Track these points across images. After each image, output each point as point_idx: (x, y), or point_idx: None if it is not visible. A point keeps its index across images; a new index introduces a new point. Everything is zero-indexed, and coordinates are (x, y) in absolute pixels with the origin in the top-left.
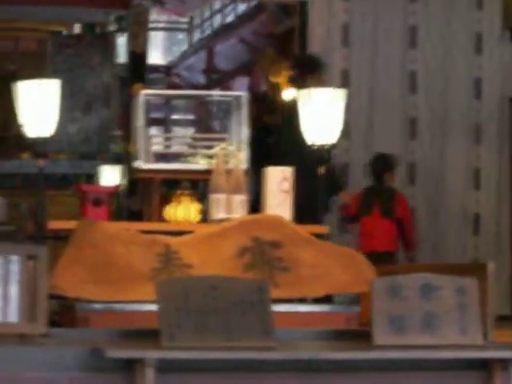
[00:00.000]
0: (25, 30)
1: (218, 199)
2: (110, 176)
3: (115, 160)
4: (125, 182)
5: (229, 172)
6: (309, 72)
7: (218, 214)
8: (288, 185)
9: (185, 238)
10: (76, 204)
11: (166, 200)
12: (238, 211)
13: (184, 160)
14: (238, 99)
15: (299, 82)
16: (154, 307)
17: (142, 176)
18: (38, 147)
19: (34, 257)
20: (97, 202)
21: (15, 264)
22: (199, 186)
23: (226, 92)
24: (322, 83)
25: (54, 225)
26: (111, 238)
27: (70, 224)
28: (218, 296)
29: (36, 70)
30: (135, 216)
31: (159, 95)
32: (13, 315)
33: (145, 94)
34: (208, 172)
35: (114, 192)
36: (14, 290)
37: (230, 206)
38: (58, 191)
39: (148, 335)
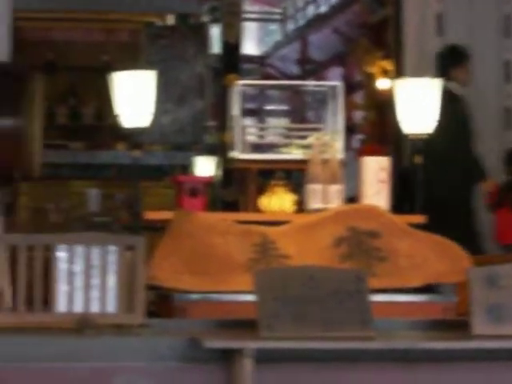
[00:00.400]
0: (118, 21)
1: (314, 189)
2: (204, 166)
3: (209, 151)
4: (219, 172)
5: (325, 162)
6: (455, 63)
7: (315, 204)
8: (385, 175)
9: (281, 229)
10: (170, 195)
11: (260, 190)
12: (334, 201)
13: (277, 150)
14: (334, 89)
15: (445, 73)
16: (250, 297)
17: (238, 166)
18: (133, 138)
19: (132, 247)
20: (193, 193)
21: (113, 254)
22: (293, 176)
23: (321, 82)
24: (468, 74)
25: (150, 215)
26: (208, 228)
27: (165, 214)
28: (316, 286)
29: (129, 61)
30: (230, 206)
31: (254, 85)
32: (110, 305)
33: (240, 84)
34: (302, 162)
35: (209, 182)
36: (111, 281)
37: (326, 196)
38: (152, 182)
39: (245, 325)
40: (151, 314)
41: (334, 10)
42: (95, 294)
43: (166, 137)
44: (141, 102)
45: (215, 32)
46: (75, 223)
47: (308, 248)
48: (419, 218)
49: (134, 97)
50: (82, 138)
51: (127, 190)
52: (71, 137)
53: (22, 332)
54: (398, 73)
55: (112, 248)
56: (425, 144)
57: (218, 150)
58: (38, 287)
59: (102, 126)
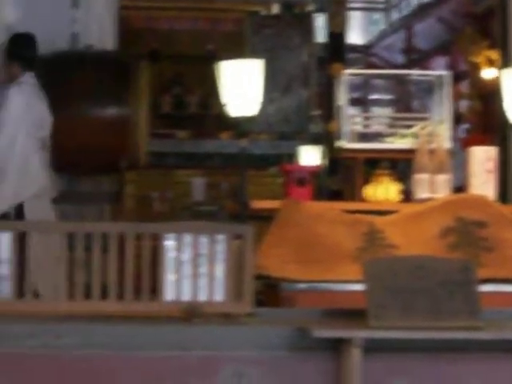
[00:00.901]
0: (223, 10)
1: (421, 179)
2: (309, 156)
3: (314, 140)
4: (324, 161)
5: (432, 152)
6: None
7: (422, 193)
8: (492, 165)
9: (389, 218)
10: (275, 184)
11: (365, 180)
12: (441, 191)
13: (382, 140)
14: (440, 78)
15: None
16: (358, 287)
17: (344, 155)
18: (240, 127)
19: (240, 236)
20: (300, 182)
21: (221, 243)
22: (399, 165)
23: (427, 71)
24: None
25: (257, 204)
26: (316, 217)
27: (272, 204)
28: (425, 276)
29: (234, 50)
30: (335, 195)
31: (361, 75)
32: (218, 294)
33: (346, 73)
34: (408, 152)
35: (316, 171)
36: (219, 270)
37: (433, 186)
38: (257, 171)
39: (353, 315)
40: (258, 303)
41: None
42: (203, 282)
43: (272, 126)
44: (248, 91)
45: (320, 21)
46: (180, 212)
47: (415, 238)
48: None
49: (241, 86)
50: (186, 126)
51: (232, 178)
52: (176, 126)
53: (129, 321)
54: (504, 63)
55: (220, 237)
56: None
57: (323, 139)
58: (146, 276)
59: (206, 114)
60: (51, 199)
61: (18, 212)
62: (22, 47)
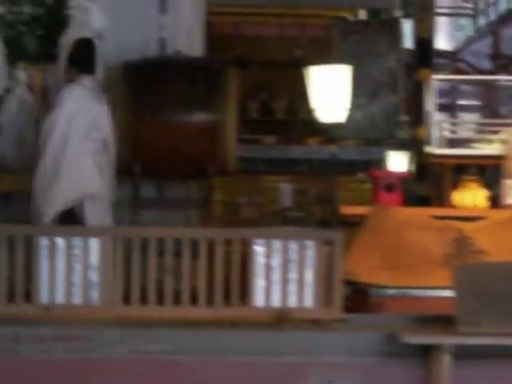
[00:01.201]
0: (311, 16)
1: (510, 185)
2: (397, 162)
3: (402, 145)
4: (412, 167)
5: None
6: None
7: (511, 199)
8: None
9: (477, 224)
10: (363, 190)
11: (453, 185)
12: None
13: (470, 145)
14: None
15: None
16: (447, 293)
17: (433, 161)
18: (328, 133)
19: (330, 242)
20: (389, 188)
21: (311, 249)
22: (486, 171)
23: None
24: None
25: (345, 210)
26: (405, 223)
27: (360, 209)
28: None
29: (321, 56)
30: (423, 201)
31: (448, 80)
32: (308, 300)
33: (435, 79)
34: (496, 157)
35: (405, 177)
36: (309, 275)
37: None
38: (345, 177)
39: (442, 321)
40: (347, 308)
41: None
42: (292, 288)
43: (359, 132)
44: (336, 97)
45: (407, 27)
46: (268, 218)
47: (504, 243)
48: None
49: (329, 91)
50: (274, 132)
51: (320, 184)
52: (263, 131)
53: (219, 326)
54: None
55: (309, 243)
56: None
57: (411, 144)
58: (236, 282)
59: (294, 120)
60: (109, 204)
61: (75, 213)
62: (78, 52)
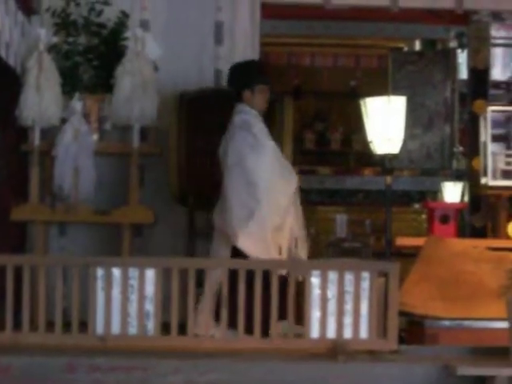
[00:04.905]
0: (365, 46)
1: None
2: (452, 192)
3: (457, 176)
4: (468, 198)
5: None
6: None
7: None
8: None
9: None
10: (419, 220)
11: (509, 217)
12: None
13: None
14: None
15: None
16: (502, 324)
17: (488, 192)
18: (383, 164)
19: (385, 273)
20: (444, 219)
21: (366, 280)
22: None
23: None
24: None
25: (400, 241)
26: (459, 254)
27: (416, 241)
28: None
29: (377, 86)
30: (478, 232)
31: (504, 111)
32: (363, 331)
33: (491, 110)
34: None
35: (460, 209)
36: (364, 307)
37: None
38: (400, 208)
39: (498, 352)
40: (402, 340)
41: None
42: (348, 319)
43: (414, 162)
44: (392, 128)
45: (462, 57)
46: (324, 248)
47: None
48: None
49: (384, 123)
50: (329, 163)
51: (375, 215)
52: (319, 162)
53: (274, 357)
54: None
55: (365, 274)
56: None
57: (466, 175)
58: (291, 312)
59: (349, 151)
60: None
61: None
62: (247, 74)
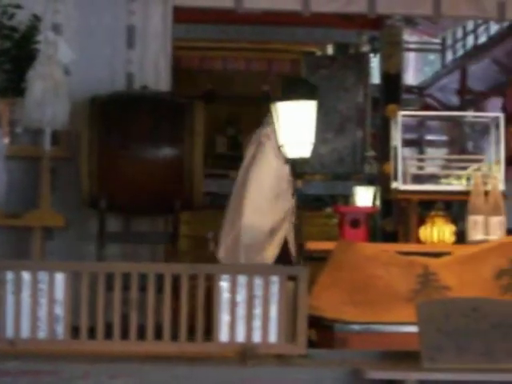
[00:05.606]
0: (278, 51)
1: (475, 221)
2: (364, 197)
3: (369, 181)
4: (378, 202)
5: (487, 193)
6: None
7: (476, 235)
8: None
9: (443, 260)
10: (330, 225)
11: (419, 221)
12: (495, 233)
13: (437, 181)
14: (496, 120)
15: None
16: (412, 329)
17: (399, 197)
18: (294, 168)
19: (295, 277)
20: (355, 223)
21: (275, 285)
22: (453, 207)
23: (482, 113)
24: None
25: (311, 245)
26: (370, 259)
27: (326, 245)
28: (479, 318)
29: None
30: (389, 237)
31: (416, 116)
32: (272, 335)
33: (401, 114)
34: (463, 193)
35: (371, 213)
36: (273, 311)
37: (487, 228)
38: (311, 212)
39: (407, 357)
40: (311, 344)
41: (494, 41)
42: (257, 323)
43: (326, 166)
44: (302, 132)
45: (375, 62)
46: None
47: (469, 279)
48: None
49: (295, 127)
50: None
51: None
52: (231, 166)
53: (183, 362)
54: None
55: (274, 278)
56: None
57: (378, 180)
58: (201, 317)
59: None
60: None
61: None
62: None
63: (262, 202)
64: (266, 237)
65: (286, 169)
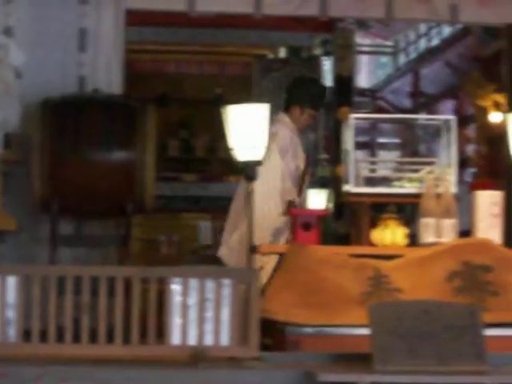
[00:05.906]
0: (231, 54)
1: (427, 223)
2: (316, 200)
3: (321, 183)
4: (331, 205)
5: (438, 196)
6: None
7: (428, 238)
8: (498, 209)
9: (395, 262)
10: None
11: (372, 224)
12: (447, 235)
13: (389, 184)
14: (447, 123)
15: None
16: (364, 331)
17: (351, 199)
18: (246, 171)
19: (246, 280)
20: (306, 226)
21: (227, 288)
22: (405, 209)
23: (434, 116)
24: None
25: (263, 248)
26: (322, 261)
27: (279, 247)
28: (430, 320)
29: (242, 93)
30: (341, 239)
31: (367, 119)
32: (224, 338)
33: (353, 117)
34: (415, 196)
35: (323, 216)
36: (225, 314)
37: (439, 230)
38: None
39: (359, 359)
40: (264, 347)
41: (446, 44)
42: (209, 326)
43: None
44: (254, 136)
45: (327, 65)
46: (187, 256)
47: (421, 282)
48: None
49: (247, 130)
50: (193, 170)
51: None
52: (183, 169)
53: (135, 365)
54: (511, 106)
55: (226, 281)
56: None
57: (330, 182)
58: (152, 320)
59: (213, 158)
60: None
61: None
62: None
63: (267, 202)
64: (271, 237)
65: (292, 169)
